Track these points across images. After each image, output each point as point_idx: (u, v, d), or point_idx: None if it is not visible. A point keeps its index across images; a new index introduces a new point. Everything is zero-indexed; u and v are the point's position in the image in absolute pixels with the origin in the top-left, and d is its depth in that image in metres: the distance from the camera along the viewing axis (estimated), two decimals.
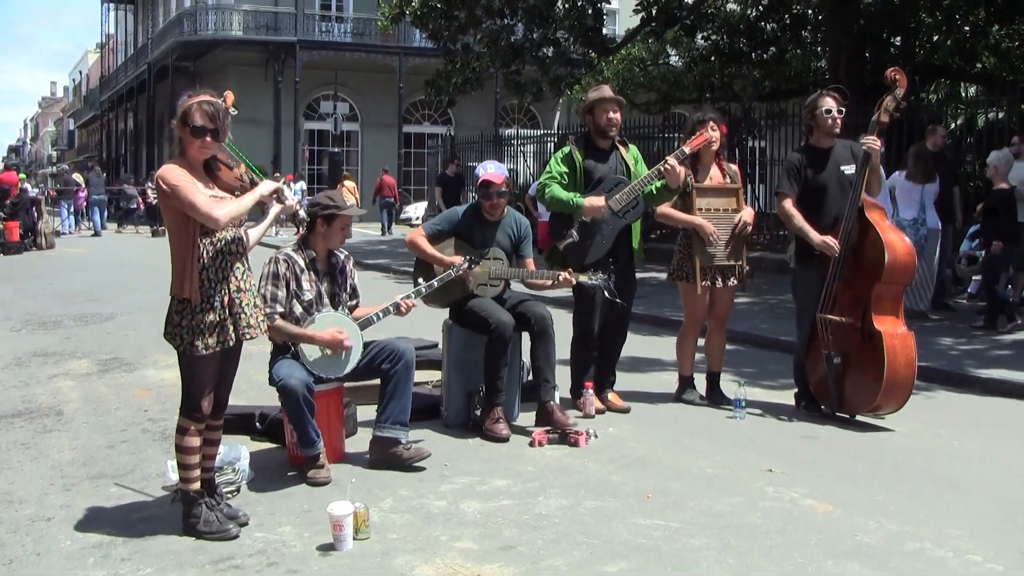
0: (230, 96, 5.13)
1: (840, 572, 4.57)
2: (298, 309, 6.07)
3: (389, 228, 31.08)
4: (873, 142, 7.23)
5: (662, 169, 7.28)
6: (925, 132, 13.54)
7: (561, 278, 6.98)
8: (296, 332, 5.98)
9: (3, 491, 5.83)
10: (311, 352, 5.98)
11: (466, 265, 6.83)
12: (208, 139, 4.93)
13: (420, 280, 6.79)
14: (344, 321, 6.12)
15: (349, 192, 31.17)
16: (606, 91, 7.63)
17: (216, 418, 5.24)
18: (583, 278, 7.01)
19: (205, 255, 4.93)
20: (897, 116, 7.99)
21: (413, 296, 6.45)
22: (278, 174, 32.82)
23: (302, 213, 5.66)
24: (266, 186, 5.12)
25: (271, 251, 6.44)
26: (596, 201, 7.33)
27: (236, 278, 5.05)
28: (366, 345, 6.16)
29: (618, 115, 7.60)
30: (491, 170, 7.22)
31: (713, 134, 7.63)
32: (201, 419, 5.07)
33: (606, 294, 7.09)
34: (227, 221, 4.90)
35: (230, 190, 5.07)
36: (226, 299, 4.99)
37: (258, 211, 5.27)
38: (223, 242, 4.99)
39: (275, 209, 5.33)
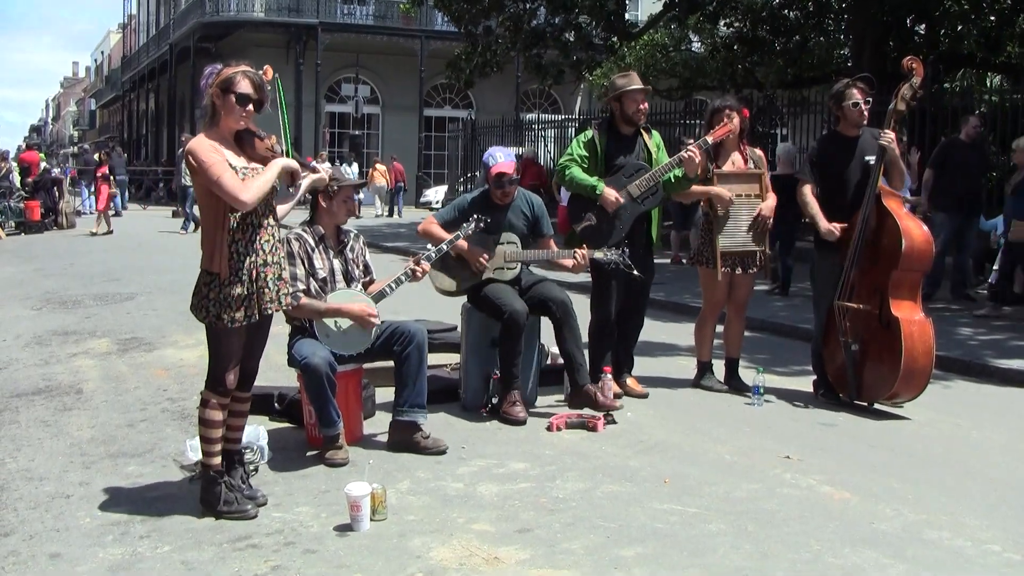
0: (270, 71, 5.12)
1: (857, 559, 4.56)
2: (313, 287, 6.07)
3: (400, 211, 32.51)
4: (886, 136, 7.22)
5: (683, 157, 7.29)
6: (960, 122, 13.47)
7: (578, 255, 6.98)
8: (324, 307, 5.98)
9: (24, 468, 5.87)
10: (329, 330, 5.99)
11: (471, 226, 6.82)
12: (251, 108, 4.91)
13: (429, 246, 6.79)
14: (359, 298, 6.12)
15: (380, 175, 31.80)
16: (636, 80, 7.55)
17: (244, 390, 5.25)
18: (598, 254, 7.02)
19: (235, 227, 4.92)
20: (914, 105, 7.94)
21: (424, 260, 6.42)
22: (323, 155, 32.96)
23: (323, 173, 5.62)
24: (282, 161, 5.07)
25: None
26: (615, 195, 7.32)
27: (264, 251, 5.01)
28: (381, 324, 6.15)
29: (646, 104, 7.59)
30: (500, 159, 7.15)
31: (734, 125, 7.61)
32: (225, 393, 5.07)
33: (624, 268, 7.07)
34: (254, 202, 4.85)
35: (262, 161, 5.04)
36: (254, 272, 4.96)
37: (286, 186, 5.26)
38: (253, 214, 4.96)
39: (305, 182, 5.32)
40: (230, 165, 4.86)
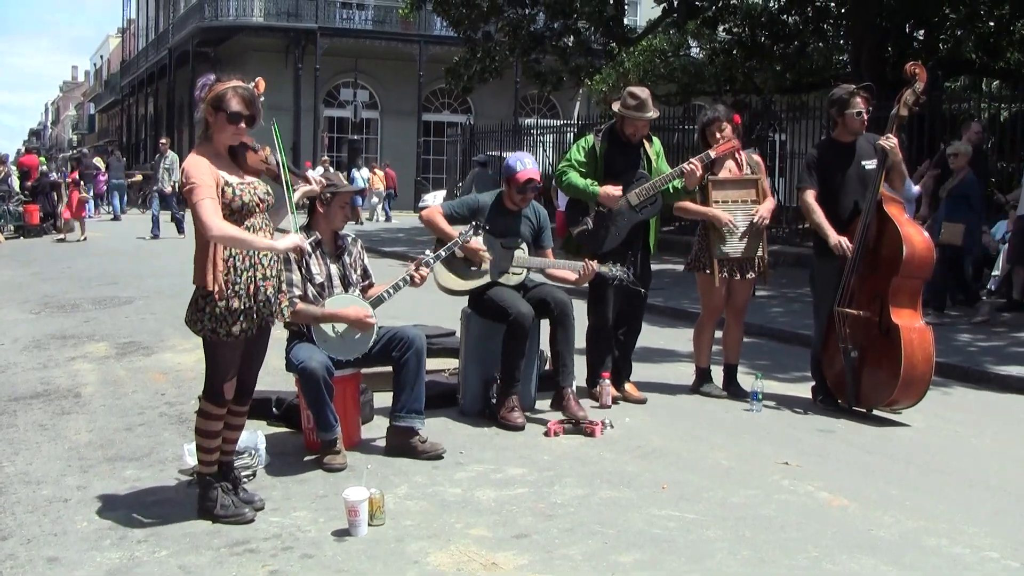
0: (262, 83, 5.06)
1: (855, 566, 4.55)
2: (311, 292, 6.06)
3: (388, 216, 32.96)
4: (888, 140, 7.22)
5: (685, 170, 7.30)
6: (961, 127, 13.47)
7: (584, 269, 6.98)
8: (320, 313, 5.97)
9: (21, 472, 5.86)
10: (326, 335, 5.98)
11: (470, 232, 6.82)
12: (243, 125, 4.89)
13: (428, 252, 6.78)
14: (357, 302, 6.11)
15: (380, 180, 32.05)
16: (645, 108, 7.43)
17: (241, 404, 5.23)
18: (603, 268, 7.01)
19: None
20: (916, 110, 7.94)
21: (423, 266, 6.43)
22: (325, 160, 32.92)
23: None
24: (286, 242, 4.96)
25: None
26: (613, 191, 7.33)
27: (264, 265, 4.99)
28: (379, 330, 6.15)
29: (646, 129, 7.59)
30: (529, 165, 7.16)
31: (732, 139, 7.62)
32: (223, 404, 5.06)
33: (628, 285, 7.07)
34: (219, 239, 4.75)
35: (255, 173, 5.04)
36: (251, 287, 4.94)
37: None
38: (251, 229, 4.92)
39: (297, 194, 5.30)
40: (226, 183, 4.85)
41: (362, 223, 29.36)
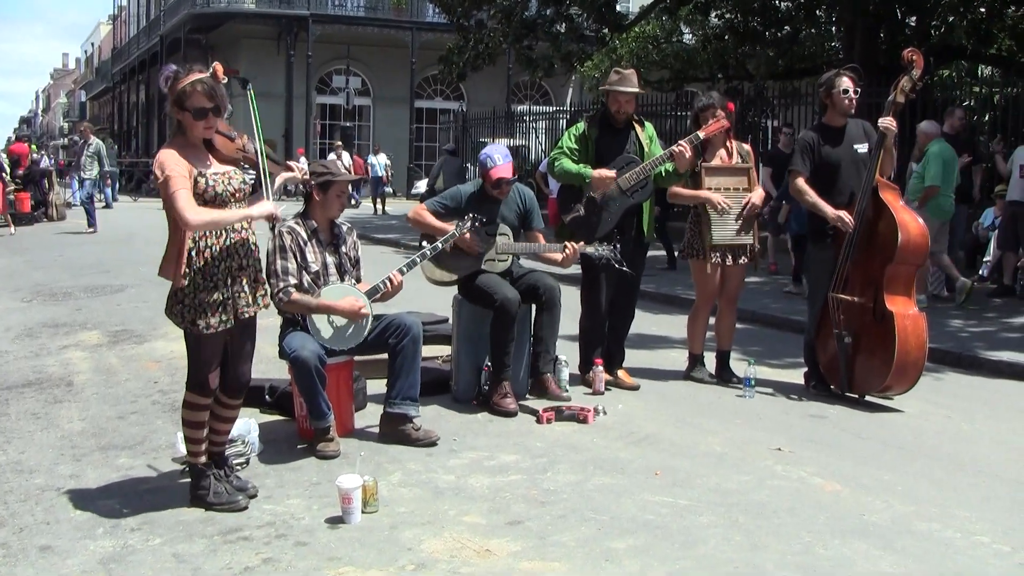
0: (219, 67, 4.96)
1: (847, 551, 4.57)
2: (306, 280, 6.05)
3: (358, 203, 32.56)
4: (889, 122, 7.22)
5: (674, 152, 7.29)
6: (944, 114, 13.47)
7: (568, 250, 6.98)
8: (315, 303, 5.96)
9: (14, 460, 5.85)
10: (321, 325, 5.97)
11: (467, 225, 6.81)
12: (211, 117, 4.84)
13: (424, 243, 6.77)
14: (352, 292, 6.10)
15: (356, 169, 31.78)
16: (627, 81, 7.47)
17: (234, 398, 5.21)
18: (590, 249, 7.01)
19: (209, 233, 4.86)
20: (913, 97, 7.94)
21: (419, 260, 6.44)
22: (339, 146, 32.54)
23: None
24: (259, 209, 4.96)
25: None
26: (605, 173, 7.32)
27: (239, 255, 4.97)
28: (375, 318, 6.15)
29: (631, 105, 7.56)
30: (500, 162, 7.14)
31: (725, 122, 7.62)
32: (208, 394, 5.05)
33: (614, 264, 7.06)
34: (198, 226, 4.74)
35: (233, 163, 5.01)
36: (229, 278, 4.92)
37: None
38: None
39: (279, 180, 5.27)
40: (199, 173, 4.80)
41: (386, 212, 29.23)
